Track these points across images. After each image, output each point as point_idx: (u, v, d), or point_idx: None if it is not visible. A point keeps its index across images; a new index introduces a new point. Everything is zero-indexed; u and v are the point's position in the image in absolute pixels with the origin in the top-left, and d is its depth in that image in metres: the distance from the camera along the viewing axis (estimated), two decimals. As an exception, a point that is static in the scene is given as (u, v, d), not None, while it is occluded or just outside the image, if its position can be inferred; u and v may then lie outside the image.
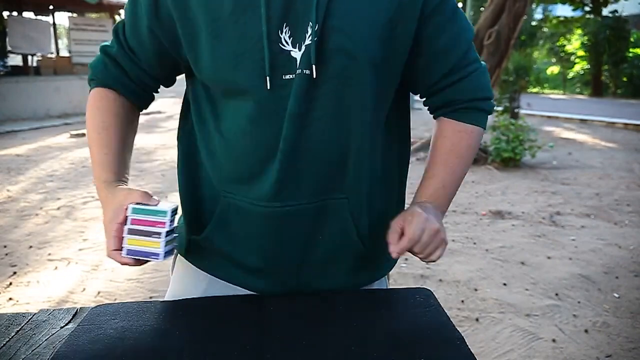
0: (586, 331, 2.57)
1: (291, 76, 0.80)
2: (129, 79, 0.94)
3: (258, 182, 0.86)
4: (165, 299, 1.01)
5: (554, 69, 21.10)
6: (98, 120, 0.94)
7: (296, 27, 0.79)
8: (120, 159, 0.93)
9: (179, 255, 1.03)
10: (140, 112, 1.01)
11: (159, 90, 1.00)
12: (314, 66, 0.79)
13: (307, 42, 0.79)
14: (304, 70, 0.80)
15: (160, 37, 0.86)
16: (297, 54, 0.80)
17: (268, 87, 0.80)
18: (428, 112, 0.98)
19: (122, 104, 0.95)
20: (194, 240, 0.96)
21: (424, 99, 0.97)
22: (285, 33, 0.79)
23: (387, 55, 0.83)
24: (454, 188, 0.96)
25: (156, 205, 0.83)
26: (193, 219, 0.97)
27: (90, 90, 0.97)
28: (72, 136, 8.89)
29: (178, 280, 1.02)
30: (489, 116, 0.98)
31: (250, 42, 0.79)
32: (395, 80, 0.89)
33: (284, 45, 0.79)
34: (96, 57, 0.96)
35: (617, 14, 16.77)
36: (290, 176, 0.84)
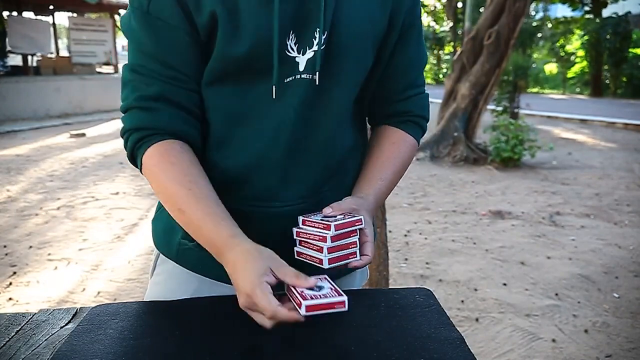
0: (586, 331, 2.57)
1: (292, 78, 0.81)
2: (186, 111, 0.82)
3: (250, 184, 0.86)
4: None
5: (552, 69, 21.08)
6: (178, 175, 0.79)
7: (302, 33, 0.80)
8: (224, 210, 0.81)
9: (160, 257, 0.99)
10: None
11: None
12: (317, 72, 0.81)
13: (314, 48, 0.80)
14: (308, 75, 0.81)
15: (198, 35, 0.80)
16: (301, 59, 0.81)
17: (274, 97, 0.81)
18: (369, 120, 1.02)
19: (191, 152, 0.83)
20: (184, 241, 0.92)
21: (373, 107, 0.98)
22: (292, 40, 0.80)
23: (374, 62, 0.89)
24: (388, 194, 0.98)
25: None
26: None
27: (138, 152, 0.82)
28: (72, 136, 8.89)
29: (161, 282, 0.98)
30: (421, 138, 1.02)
31: (259, 48, 0.78)
32: (373, 87, 0.95)
33: (289, 52, 0.80)
34: (129, 113, 0.81)
35: (621, 15, 16.71)
36: (285, 178, 0.86)
